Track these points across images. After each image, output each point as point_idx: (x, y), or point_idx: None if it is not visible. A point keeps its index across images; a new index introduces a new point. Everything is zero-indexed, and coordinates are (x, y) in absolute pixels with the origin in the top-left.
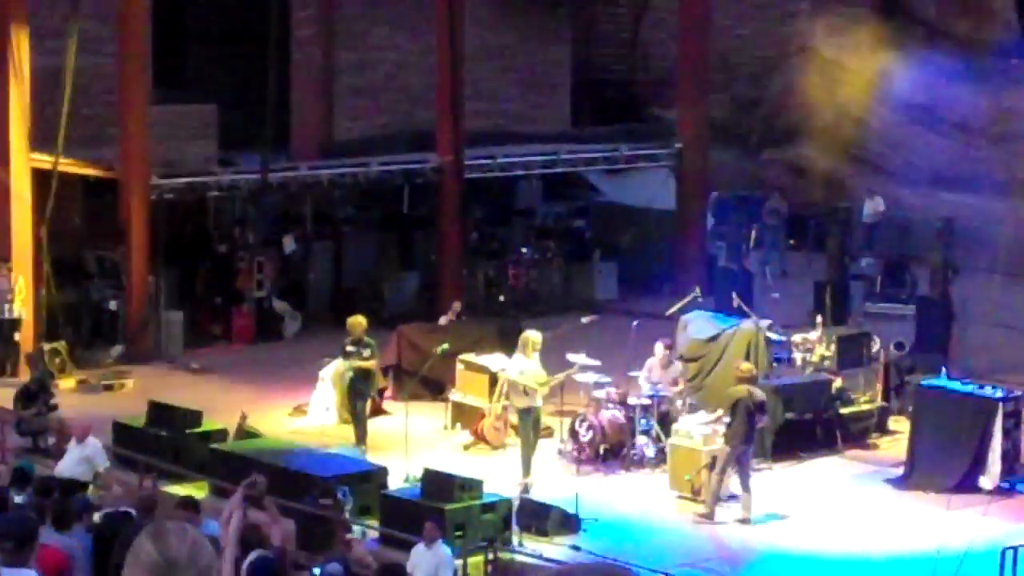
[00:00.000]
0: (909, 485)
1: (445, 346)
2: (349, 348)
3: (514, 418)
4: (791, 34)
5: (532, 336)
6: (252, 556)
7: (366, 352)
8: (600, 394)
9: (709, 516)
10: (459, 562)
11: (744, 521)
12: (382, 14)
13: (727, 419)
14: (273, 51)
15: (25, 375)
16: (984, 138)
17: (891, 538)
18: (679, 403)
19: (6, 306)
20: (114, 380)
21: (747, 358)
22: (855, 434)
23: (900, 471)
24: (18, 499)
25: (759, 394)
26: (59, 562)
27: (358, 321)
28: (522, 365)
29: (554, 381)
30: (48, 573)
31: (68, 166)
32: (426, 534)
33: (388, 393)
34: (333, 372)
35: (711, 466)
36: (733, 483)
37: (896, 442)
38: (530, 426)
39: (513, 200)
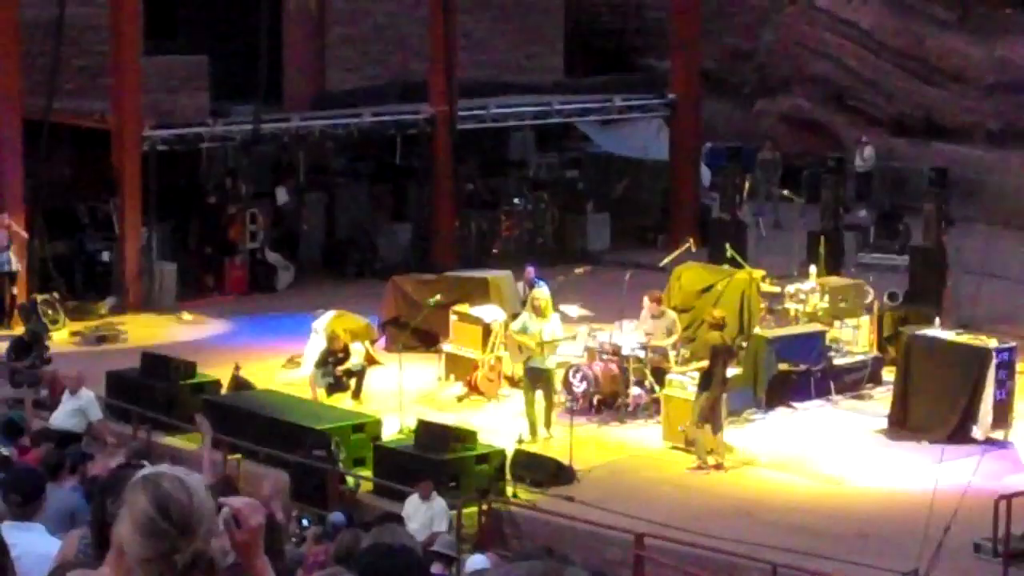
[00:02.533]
0: (902, 435)
1: (438, 297)
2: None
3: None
4: None
5: (538, 298)
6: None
7: (354, 361)
8: (593, 344)
9: (703, 467)
10: (453, 513)
11: (718, 467)
12: None
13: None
14: (265, 1)
15: (19, 327)
16: (977, 88)
17: (885, 487)
18: (672, 354)
19: (4, 257)
20: (108, 331)
21: (741, 309)
22: (849, 384)
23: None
24: (4, 451)
25: (728, 340)
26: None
27: (335, 333)
28: (527, 323)
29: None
30: None
31: (59, 117)
32: (422, 491)
33: (381, 344)
34: (326, 325)
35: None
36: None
37: (890, 392)
38: (540, 386)
39: (506, 151)
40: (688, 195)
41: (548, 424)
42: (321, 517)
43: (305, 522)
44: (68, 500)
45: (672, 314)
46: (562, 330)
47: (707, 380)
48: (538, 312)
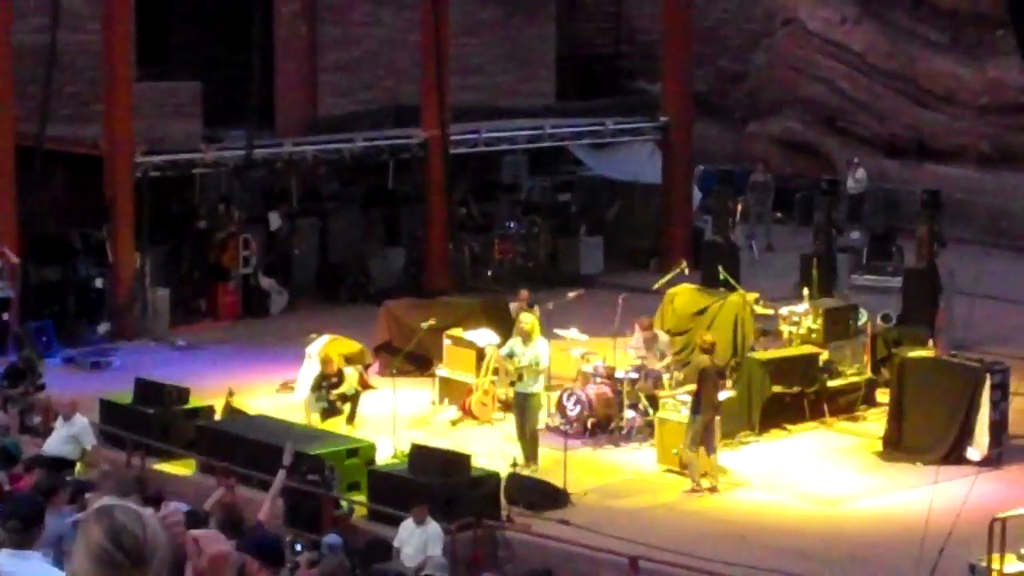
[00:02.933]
0: (896, 457)
1: (432, 321)
2: (324, 384)
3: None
4: (776, 7)
5: (523, 322)
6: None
7: (348, 386)
8: (588, 368)
9: (698, 490)
10: (448, 537)
11: (712, 489)
12: None
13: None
14: (257, 27)
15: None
16: (969, 109)
17: (879, 509)
18: (666, 377)
19: None
20: (101, 358)
21: (734, 331)
22: (843, 406)
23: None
24: None
25: (719, 362)
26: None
27: (329, 358)
28: (514, 348)
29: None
30: None
31: (52, 143)
32: (416, 516)
33: (375, 369)
34: (319, 350)
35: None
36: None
37: (884, 414)
38: (519, 412)
39: (499, 175)
40: (681, 218)
41: (527, 453)
42: (315, 542)
43: (298, 547)
44: (58, 526)
45: (665, 337)
46: (547, 355)
47: (698, 403)
48: (524, 337)
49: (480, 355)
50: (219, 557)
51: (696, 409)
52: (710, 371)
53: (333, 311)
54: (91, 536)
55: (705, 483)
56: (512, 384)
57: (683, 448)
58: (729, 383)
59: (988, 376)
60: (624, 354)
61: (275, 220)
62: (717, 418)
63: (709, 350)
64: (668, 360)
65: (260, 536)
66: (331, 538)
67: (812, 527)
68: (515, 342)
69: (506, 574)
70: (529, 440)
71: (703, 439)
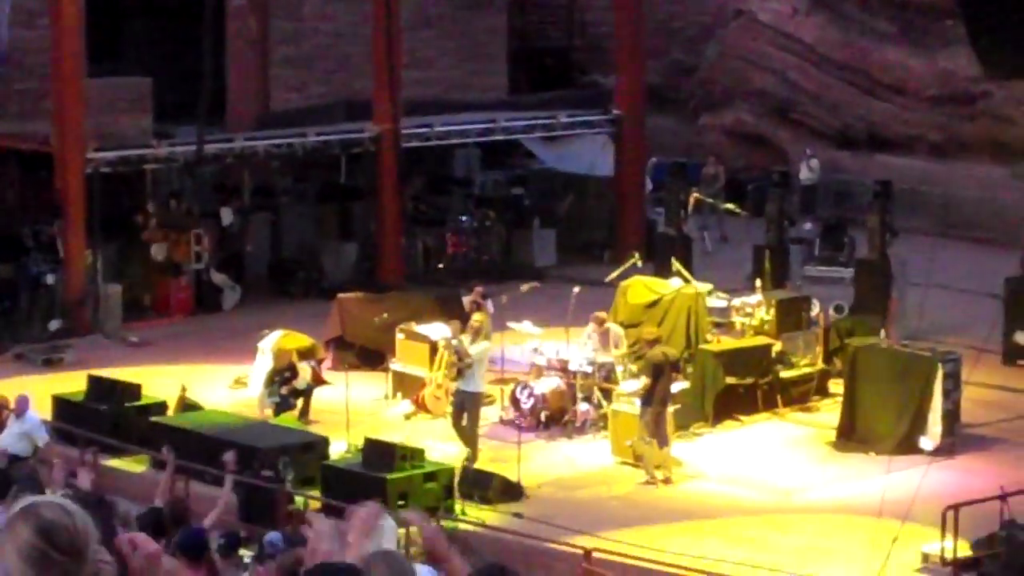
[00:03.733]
0: (850, 447)
1: (385, 316)
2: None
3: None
4: None
5: (474, 320)
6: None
7: (301, 380)
8: (541, 361)
9: (652, 482)
10: (401, 532)
11: (666, 481)
12: None
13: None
14: (208, 22)
15: None
16: (920, 100)
17: (833, 499)
18: (620, 369)
19: None
20: (53, 354)
21: (687, 323)
22: (796, 397)
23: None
24: None
25: (673, 353)
26: None
27: (282, 353)
28: (463, 344)
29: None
30: None
31: (2, 140)
32: None
33: (328, 364)
34: (272, 345)
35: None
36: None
37: (837, 404)
38: (459, 409)
39: (451, 169)
40: (634, 210)
41: (470, 452)
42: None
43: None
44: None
45: (617, 328)
46: (480, 354)
47: (650, 396)
48: (474, 334)
49: (433, 349)
50: (153, 556)
51: (647, 401)
52: (663, 365)
53: (286, 306)
54: (20, 536)
55: (659, 475)
56: (455, 378)
57: (637, 440)
58: (682, 376)
59: (940, 366)
60: (579, 347)
61: (227, 215)
62: (669, 410)
63: (655, 342)
64: (623, 351)
65: (183, 532)
66: (272, 535)
67: (766, 518)
68: (465, 339)
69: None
70: (470, 440)
71: (655, 431)
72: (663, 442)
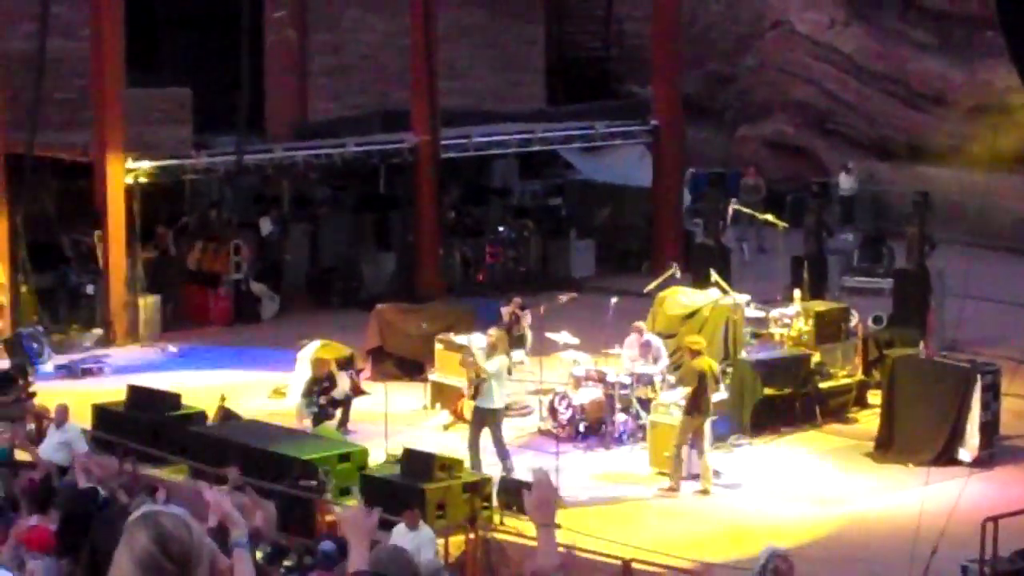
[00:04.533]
0: (888, 458)
1: (424, 326)
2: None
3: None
4: (765, 9)
5: (489, 335)
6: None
7: (339, 390)
8: (579, 372)
9: (675, 490)
10: (440, 541)
11: (704, 492)
12: None
13: (683, 391)
14: (246, 33)
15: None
16: (960, 111)
17: (871, 511)
18: (658, 380)
19: None
20: (93, 364)
21: (725, 334)
22: (834, 409)
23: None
24: None
25: (716, 365)
26: (47, 541)
27: (321, 363)
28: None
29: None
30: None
31: (42, 150)
32: (408, 520)
33: (367, 374)
34: (311, 355)
35: (692, 444)
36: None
37: (875, 416)
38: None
39: (489, 179)
40: (672, 221)
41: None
42: (307, 548)
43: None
44: None
45: (658, 341)
46: (497, 369)
47: (692, 406)
48: (490, 350)
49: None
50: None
51: (689, 411)
52: (708, 375)
53: (324, 316)
54: (138, 542)
55: (698, 486)
56: (473, 396)
57: (673, 449)
58: (721, 386)
59: (979, 377)
60: (616, 358)
61: (266, 225)
62: (708, 421)
63: (700, 353)
64: (663, 363)
65: None
66: (325, 544)
67: (804, 529)
68: (479, 355)
69: None
70: (499, 454)
71: (693, 441)
72: (700, 452)
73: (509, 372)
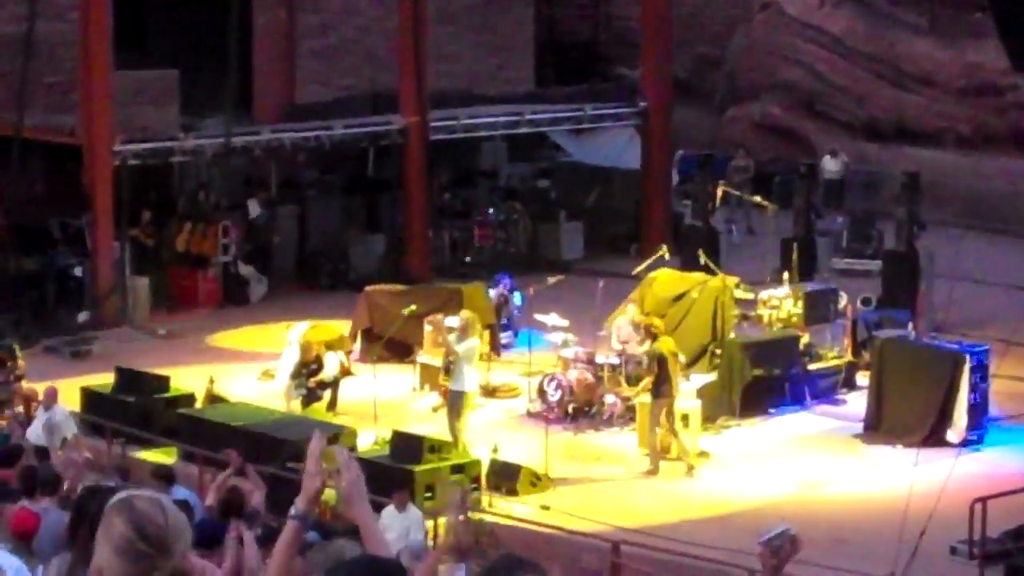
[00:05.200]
0: (876, 439)
1: (413, 308)
2: (304, 371)
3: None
4: None
5: (461, 318)
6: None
7: (328, 372)
8: (568, 353)
9: (653, 473)
10: (429, 523)
11: (690, 469)
12: None
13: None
14: (234, 14)
15: None
16: (948, 92)
17: (860, 492)
18: (647, 362)
19: None
20: (81, 347)
21: (714, 315)
22: (823, 390)
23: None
24: None
25: (673, 343)
26: (30, 526)
27: (309, 345)
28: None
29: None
30: (18, 536)
31: (30, 132)
32: (396, 501)
33: (355, 355)
34: (300, 337)
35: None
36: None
37: (864, 397)
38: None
39: (478, 161)
40: (661, 203)
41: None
42: None
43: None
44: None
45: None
46: (467, 351)
47: (658, 388)
48: (461, 332)
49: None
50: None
51: (655, 394)
52: (668, 357)
53: (313, 298)
54: (114, 528)
55: (682, 465)
56: (445, 378)
57: (663, 434)
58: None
59: (967, 358)
60: (605, 339)
61: (254, 207)
62: (695, 404)
63: (658, 336)
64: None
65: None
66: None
67: (793, 510)
68: (452, 337)
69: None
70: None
71: (665, 422)
72: (674, 433)
73: (481, 356)
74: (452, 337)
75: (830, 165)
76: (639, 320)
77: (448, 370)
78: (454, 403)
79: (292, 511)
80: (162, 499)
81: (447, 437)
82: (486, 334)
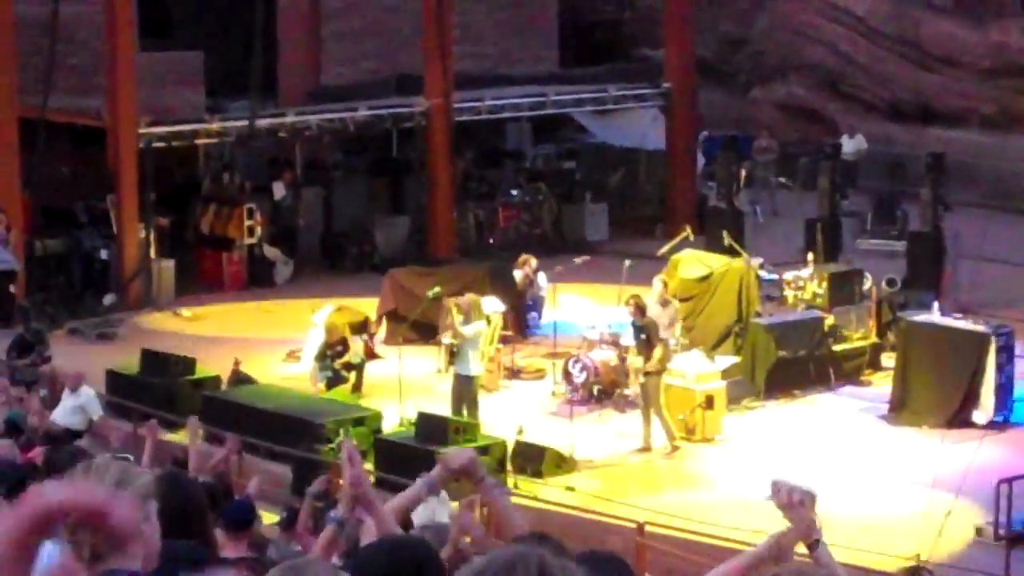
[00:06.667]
0: (902, 420)
1: (437, 289)
2: (330, 353)
3: (506, 361)
4: None
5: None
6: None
7: (353, 354)
8: (593, 335)
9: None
10: (454, 505)
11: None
12: None
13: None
14: None
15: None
16: (973, 72)
17: (887, 473)
18: (672, 343)
19: (3, 255)
20: (107, 329)
21: (739, 297)
22: (848, 371)
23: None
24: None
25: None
26: None
27: (334, 327)
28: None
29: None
30: None
31: (55, 115)
32: None
33: (381, 337)
34: (325, 319)
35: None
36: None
37: (889, 378)
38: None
39: (502, 142)
40: (685, 184)
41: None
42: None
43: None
44: None
45: (676, 303)
46: (473, 334)
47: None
48: (465, 316)
49: (486, 322)
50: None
51: (659, 370)
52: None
53: (338, 280)
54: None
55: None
56: (451, 353)
57: (689, 413)
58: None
59: (993, 339)
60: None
61: (279, 190)
62: (720, 384)
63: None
64: (677, 327)
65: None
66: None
67: (820, 491)
68: (458, 320)
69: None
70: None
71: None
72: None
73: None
74: (458, 320)
75: (848, 146)
76: (664, 297)
77: (453, 354)
78: (464, 387)
79: (332, 514)
80: (123, 464)
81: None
82: (506, 316)
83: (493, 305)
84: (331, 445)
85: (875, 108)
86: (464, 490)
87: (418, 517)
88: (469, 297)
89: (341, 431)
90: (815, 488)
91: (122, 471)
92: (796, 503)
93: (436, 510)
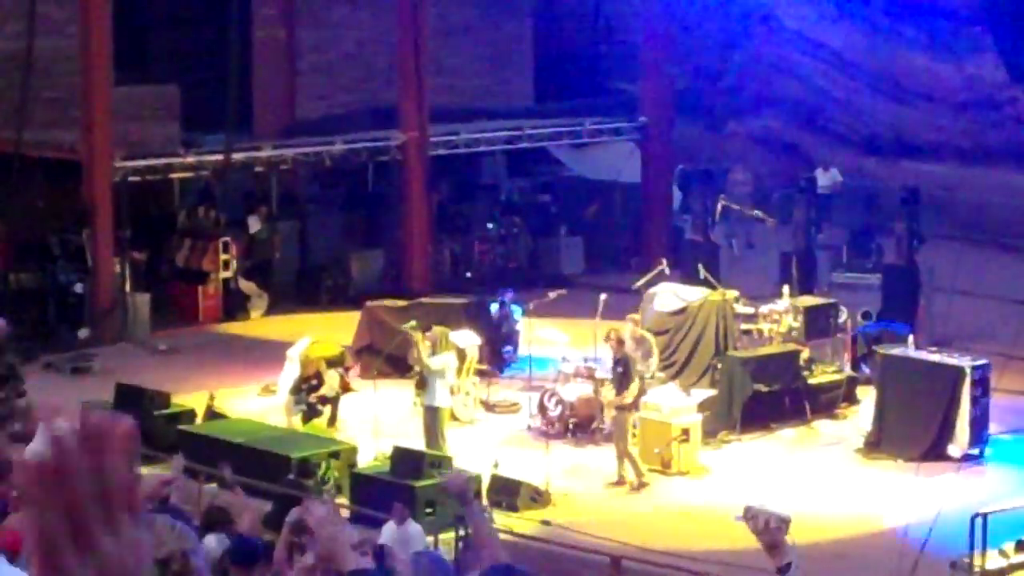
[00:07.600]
0: (878, 454)
1: (413, 323)
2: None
3: (480, 394)
4: (753, 5)
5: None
6: (223, 540)
7: (328, 388)
8: (568, 368)
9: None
10: (430, 539)
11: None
12: None
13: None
14: (234, 31)
15: None
16: (947, 106)
17: (861, 507)
18: (648, 378)
19: None
20: (81, 363)
21: (716, 329)
22: (824, 404)
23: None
24: None
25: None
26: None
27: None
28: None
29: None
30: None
31: (30, 148)
32: (396, 515)
33: (356, 371)
34: (300, 353)
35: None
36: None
37: (864, 412)
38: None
39: (478, 176)
40: (661, 217)
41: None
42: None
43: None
44: None
45: (651, 338)
46: (440, 366)
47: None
48: (433, 345)
49: (461, 356)
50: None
51: (630, 407)
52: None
53: (313, 313)
54: None
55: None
56: (417, 388)
57: (665, 447)
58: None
59: (968, 372)
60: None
61: (255, 223)
62: (697, 418)
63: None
64: (653, 361)
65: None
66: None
67: (794, 525)
68: (425, 351)
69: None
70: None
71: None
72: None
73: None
74: (425, 351)
75: (821, 180)
76: (637, 334)
77: (420, 386)
78: (431, 420)
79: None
80: None
81: (447, 452)
82: (482, 349)
83: (468, 339)
84: (311, 481)
85: (850, 141)
86: (444, 516)
87: (383, 538)
88: (436, 329)
89: (328, 475)
90: (788, 514)
91: None
92: (772, 528)
93: (411, 543)
